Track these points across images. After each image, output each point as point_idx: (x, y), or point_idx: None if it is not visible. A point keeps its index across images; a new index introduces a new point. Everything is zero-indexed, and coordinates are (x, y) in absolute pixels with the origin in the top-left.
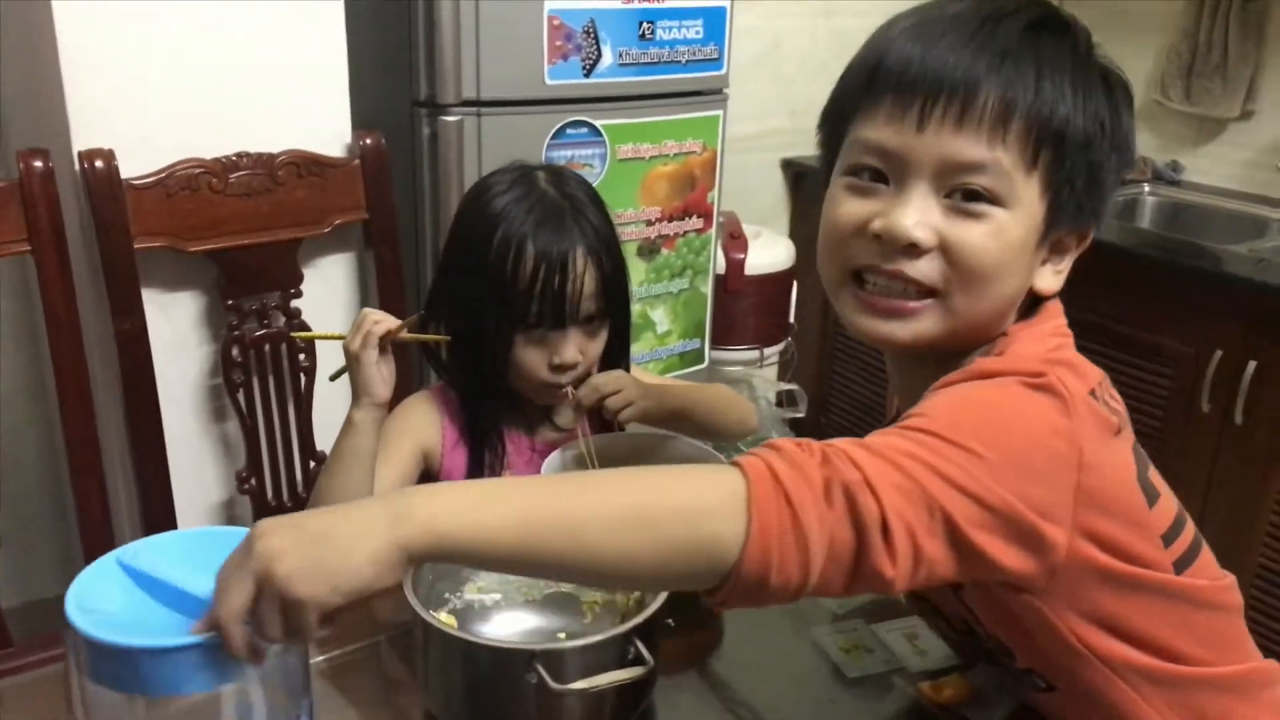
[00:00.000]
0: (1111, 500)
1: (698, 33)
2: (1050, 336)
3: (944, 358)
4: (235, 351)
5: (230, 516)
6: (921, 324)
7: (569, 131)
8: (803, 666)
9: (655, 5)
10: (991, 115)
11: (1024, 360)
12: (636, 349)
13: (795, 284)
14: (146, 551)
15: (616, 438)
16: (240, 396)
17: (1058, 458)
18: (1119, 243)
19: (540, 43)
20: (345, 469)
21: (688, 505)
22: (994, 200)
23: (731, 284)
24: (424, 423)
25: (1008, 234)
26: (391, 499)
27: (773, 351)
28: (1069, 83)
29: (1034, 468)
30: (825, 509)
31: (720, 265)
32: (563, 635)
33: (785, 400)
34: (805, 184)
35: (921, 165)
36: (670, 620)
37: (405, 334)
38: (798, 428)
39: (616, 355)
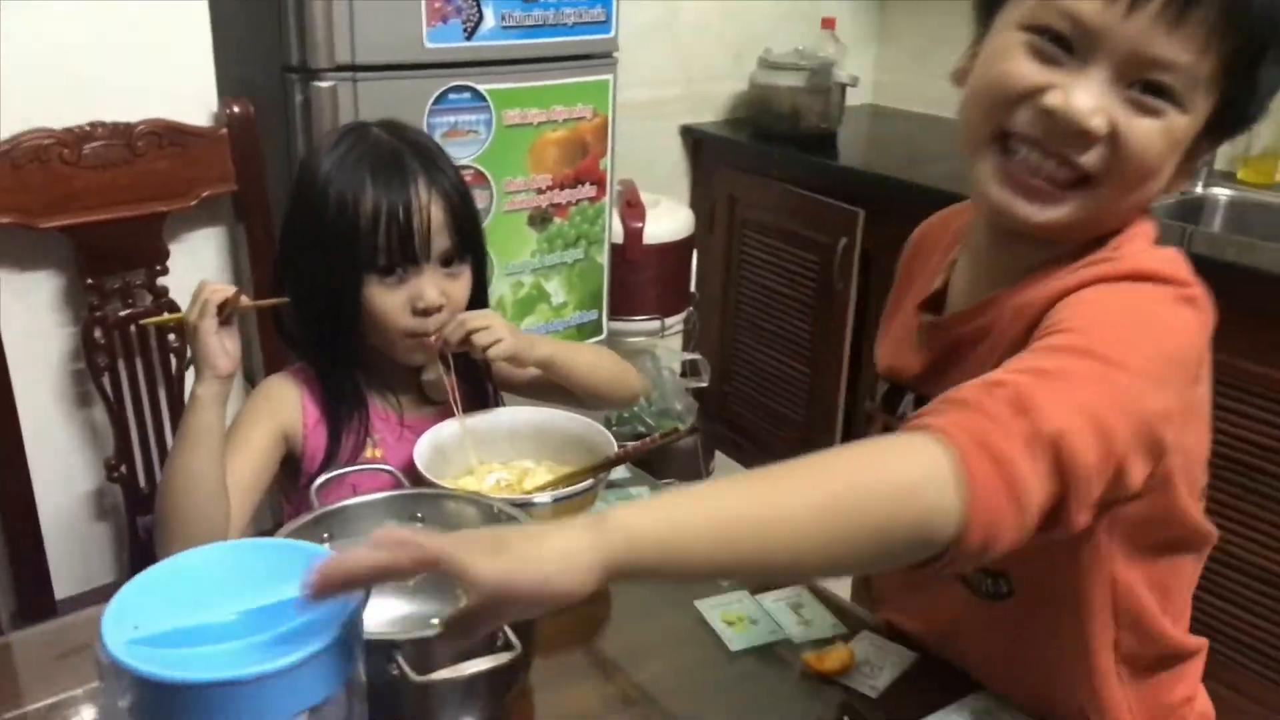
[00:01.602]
0: (1201, 420)
1: None
2: (1158, 248)
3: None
4: (98, 334)
5: (100, 506)
6: (1063, 211)
7: (451, 97)
8: (688, 641)
9: None
10: (1210, 23)
11: (1172, 265)
12: (531, 321)
13: (696, 252)
14: (182, 569)
15: (497, 415)
16: (105, 381)
17: (1190, 372)
18: None
19: (418, 4)
20: (192, 448)
21: (893, 484)
22: (1174, 99)
23: (630, 253)
24: (282, 403)
25: (1175, 134)
26: (590, 517)
27: (674, 321)
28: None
29: (1175, 382)
30: (1032, 465)
31: (618, 234)
32: (435, 621)
33: (689, 370)
34: (704, 151)
35: (1117, 50)
36: None
37: (245, 301)
38: (701, 397)
39: (478, 304)
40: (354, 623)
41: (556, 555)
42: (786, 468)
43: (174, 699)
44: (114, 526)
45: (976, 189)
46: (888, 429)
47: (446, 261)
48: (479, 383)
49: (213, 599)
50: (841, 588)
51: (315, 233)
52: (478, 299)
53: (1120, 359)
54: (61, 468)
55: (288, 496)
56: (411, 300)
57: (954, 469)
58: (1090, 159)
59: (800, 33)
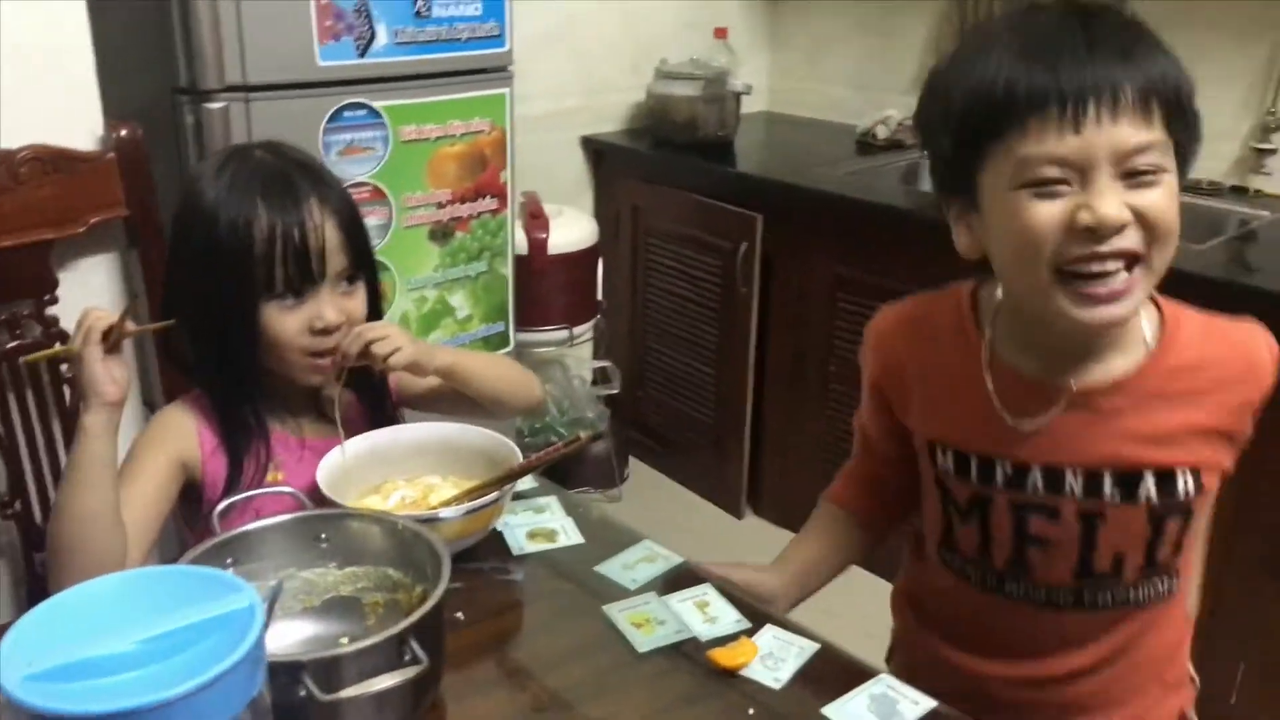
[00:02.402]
0: None
1: (476, 10)
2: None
3: None
4: None
5: None
6: (1135, 297)
7: (346, 114)
8: (597, 645)
9: None
10: (1139, 103)
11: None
12: (437, 335)
13: (601, 260)
14: (78, 601)
15: (400, 431)
16: None
17: None
18: (904, 205)
19: (309, 22)
20: (83, 480)
21: None
22: (1159, 167)
23: (535, 264)
24: (178, 432)
25: (1174, 188)
26: None
27: (583, 330)
28: (1161, 54)
29: None
30: None
31: (522, 246)
32: (345, 640)
33: (600, 377)
34: (606, 161)
35: (1103, 160)
36: (460, 614)
37: (130, 326)
38: (613, 403)
39: (374, 318)
40: (255, 646)
41: None
42: None
43: None
44: (10, 564)
45: (1055, 318)
46: (1007, 502)
47: (342, 280)
48: (379, 399)
49: (111, 630)
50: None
51: (206, 258)
52: (373, 313)
53: None
54: None
55: (190, 526)
56: (310, 321)
57: None
58: (1132, 241)
59: (695, 42)
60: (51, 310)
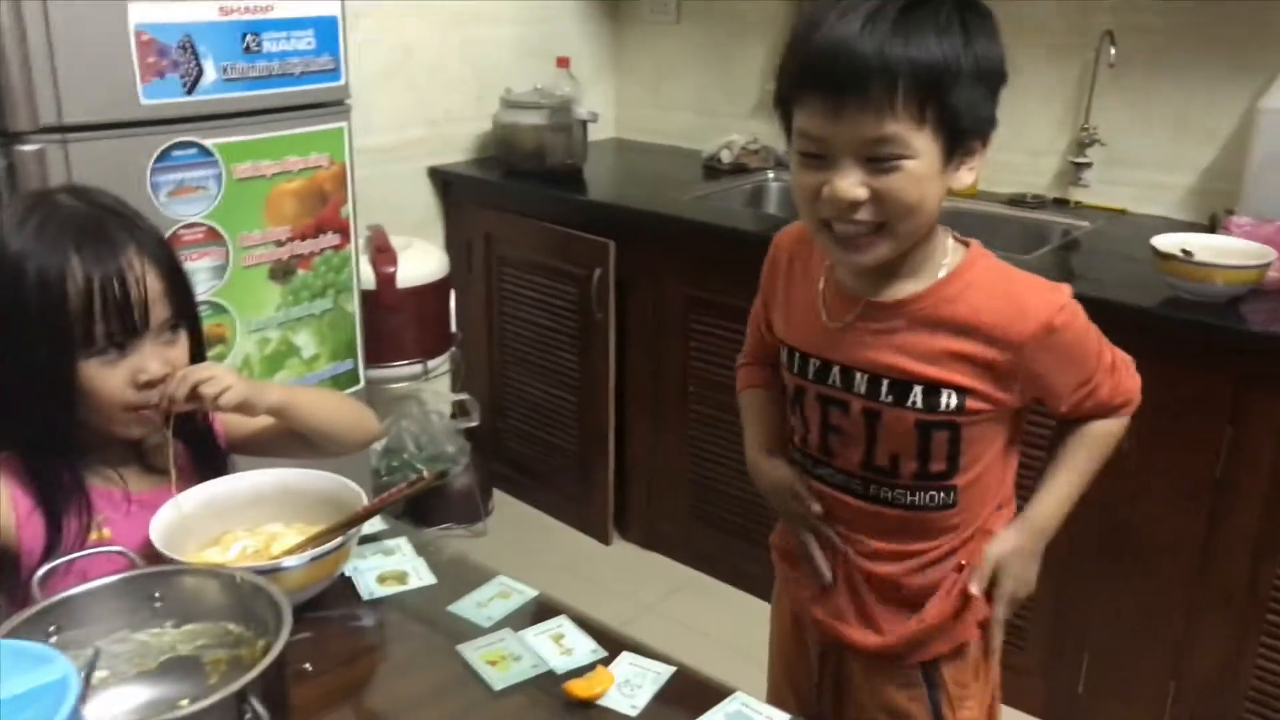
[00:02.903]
0: None
1: (310, 44)
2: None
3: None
4: None
5: None
6: (878, 250)
7: (175, 154)
8: (453, 687)
9: (258, 17)
10: (881, 99)
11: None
12: (283, 376)
13: (454, 292)
14: None
15: (238, 480)
16: None
17: None
18: (751, 228)
19: (129, 60)
20: None
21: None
22: (900, 155)
23: (384, 298)
24: None
25: (919, 172)
26: None
27: (437, 363)
28: (933, 44)
29: None
30: None
31: (369, 280)
32: (185, 703)
33: (458, 411)
34: (454, 191)
35: (846, 144)
36: (308, 665)
37: None
38: (474, 436)
39: (196, 361)
40: (72, 715)
41: None
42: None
43: None
44: None
45: (828, 253)
46: (815, 394)
47: (165, 329)
48: (206, 445)
49: None
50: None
51: (13, 316)
52: (196, 359)
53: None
54: None
55: (10, 597)
56: (133, 374)
57: None
58: (869, 214)
59: (538, 71)
60: None
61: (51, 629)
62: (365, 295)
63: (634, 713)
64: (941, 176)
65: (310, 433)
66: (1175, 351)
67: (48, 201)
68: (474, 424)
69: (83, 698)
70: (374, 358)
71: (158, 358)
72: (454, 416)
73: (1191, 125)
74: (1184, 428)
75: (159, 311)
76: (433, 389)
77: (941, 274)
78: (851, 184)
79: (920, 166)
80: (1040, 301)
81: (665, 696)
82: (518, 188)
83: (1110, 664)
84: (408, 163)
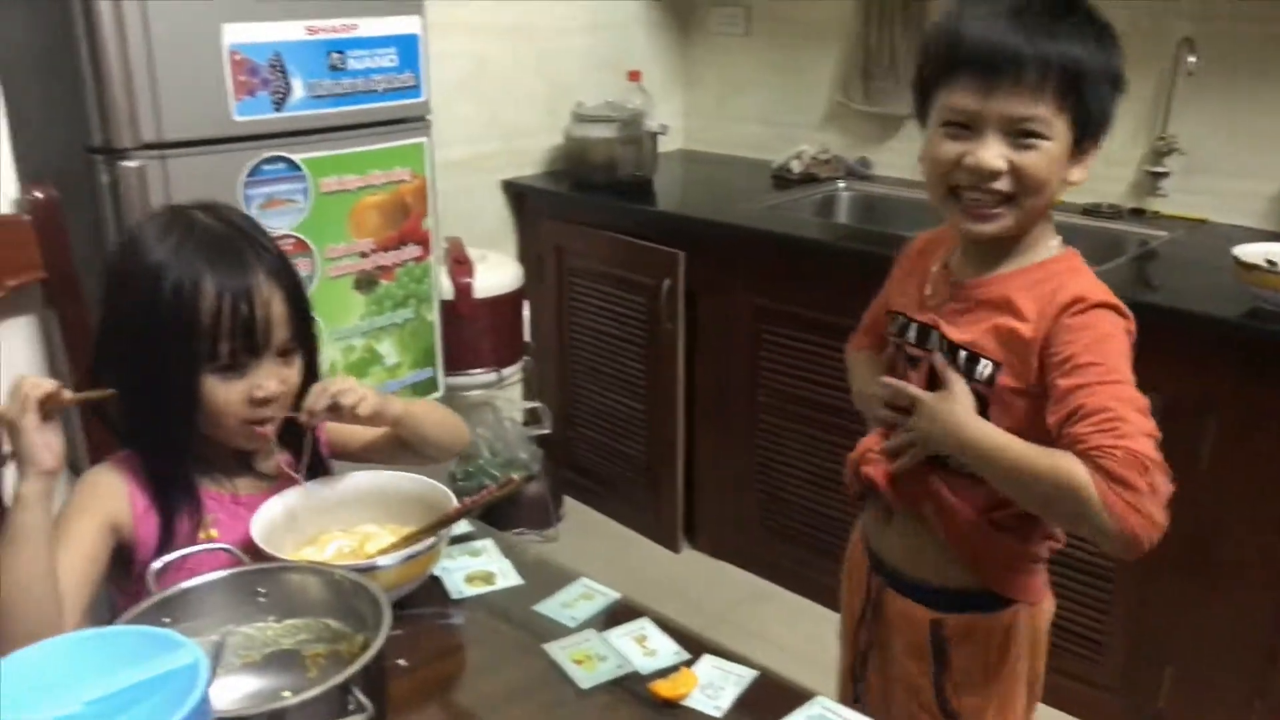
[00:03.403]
0: None
1: (392, 60)
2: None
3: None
4: None
5: None
6: (1004, 221)
7: (265, 169)
8: (540, 685)
9: (343, 36)
10: (1034, 84)
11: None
12: (366, 384)
13: (527, 302)
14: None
15: (335, 482)
16: None
17: None
18: (821, 237)
19: (223, 78)
20: (18, 549)
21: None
22: (1040, 135)
23: (461, 308)
24: (107, 495)
25: (1051, 154)
26: None
27: (511, 371)
28: (1078, 42)
29: None
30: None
31: (447, 291)
32: (287, 694)
33: (530, 418)
34: (527, 204)
35: (992, 119)
36: (402, 660)
37: (68, 395)
38: (545, 444)
39: (310, 381)
40: (201, 702)
41: None
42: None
43: None
44: None
45: (950, 222)
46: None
47: (282, 348)
48: (318, 460)
49: (58, 692)
50: None
51: (147, 325)
52: (312, 377)
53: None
54: None
55: (121, 588)
56: (250, 391)
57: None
58: (1004, 185)
59: (609, 84)
60: None
61: (166, 620)
62: (443, 305)
63: (718, 714)
64: (1065, 164)
65: (421, 443)
66: (1257, 363)
67: (185, 217)
68: (546, 431)
69: (210, 682)
70: (451, 365)
71: (274, 376)
72: (526, 424)
73: (1275, 133)
74: (1267, 440)
75: (280, 333)
76: (506, 396)
77: (1027, 263)
78: (994, 155)
79: (1054, 149)
80: (1082, 287)
81: (748, 699)
82: (588, 200)
83: (1192, 680)
84: (482, 175)
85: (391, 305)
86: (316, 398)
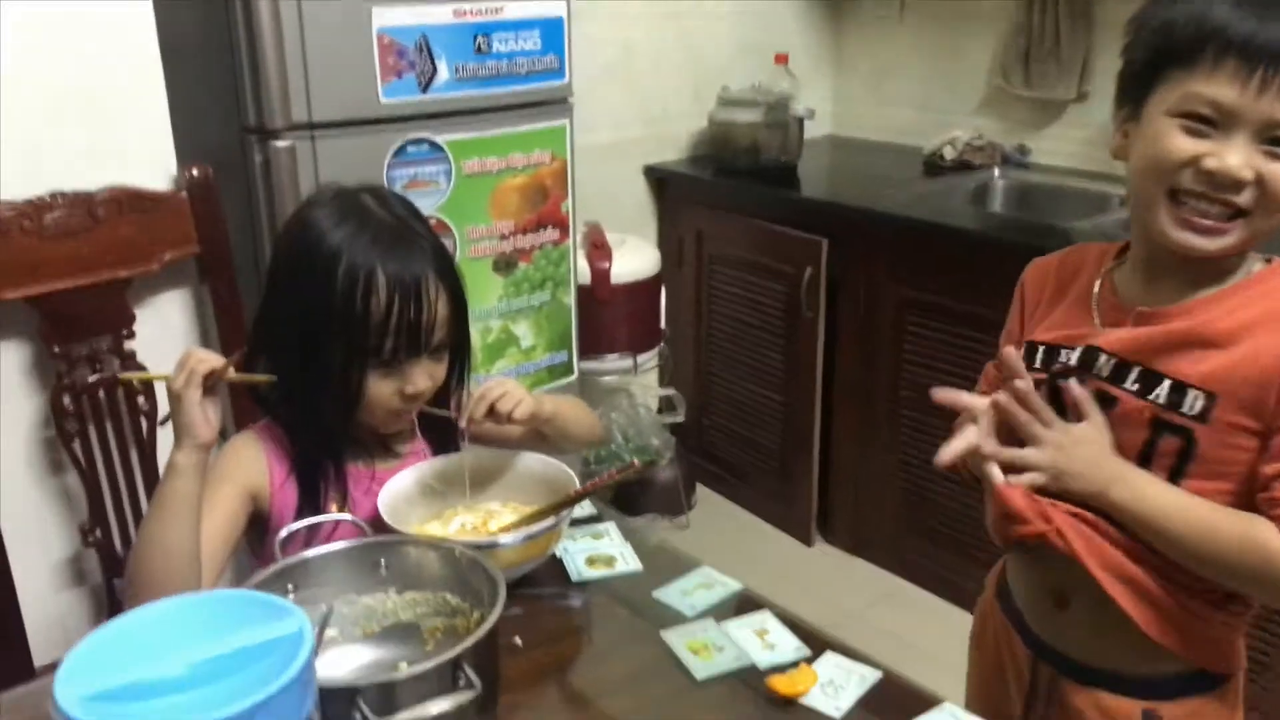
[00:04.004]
0: None
1: (535, 44)
2: None
3: (1201, 264)
4: (67, 400)
5: (77, 571)
6: (1229, 240)
7: (410, 150)
8: (655, 672)
9: (489, 19)
10: None
11: None
12: (501, 365)
13: (664, 288)
14: (135, 625)
15: (460, 459)
16: (76, 447)
17: None
18: (974, 227)
19: (371, 61)
20: (169, 516)
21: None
22: None
23: (599, 293)
24: (248, 464)
25: None
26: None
27: (646, 358)
28: None
29: None
30: None
31: (585, 275)
32: (403, 665)
33: (665, 406)
34: (669, 189)
35: (1252, 121)
36: (518, 639)
37: (231, 374)
38: (678, 431)
39: (458, 376)
40: (304, 669)
41: None
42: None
43: None
44: (91, 591)
45: (1154, 230)
46: (1053, 387)
47: (437, 348)
48: (447, 436)
49: (165, 653)
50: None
51: (315, 311)
52: (461, 375)
53: None
54: (36, 535)
55: (257, 555)
56: (401, 387)
57: None
58: (1245, 198)
59: (756, 68)
60: (129, 345)
61: (290, 587)
62: (580, 289)
63: (838, 714)
64: None
65: (561, 439)
66: None
67: (358, 204)
68: (680, 419)
69: (315, 651)
70: (587, 350)
71: (426, 374)
72: (660, 411)
73: None
74: None
75: (440, 335)
76: (641, 383)
77: (1228, 284)
78: (1243, 163)
79: None
80: None
81: (870, 701)
82: (731, 185)
83: None
84: (625, 161)
85: (529, 288)
86: (476, 405)
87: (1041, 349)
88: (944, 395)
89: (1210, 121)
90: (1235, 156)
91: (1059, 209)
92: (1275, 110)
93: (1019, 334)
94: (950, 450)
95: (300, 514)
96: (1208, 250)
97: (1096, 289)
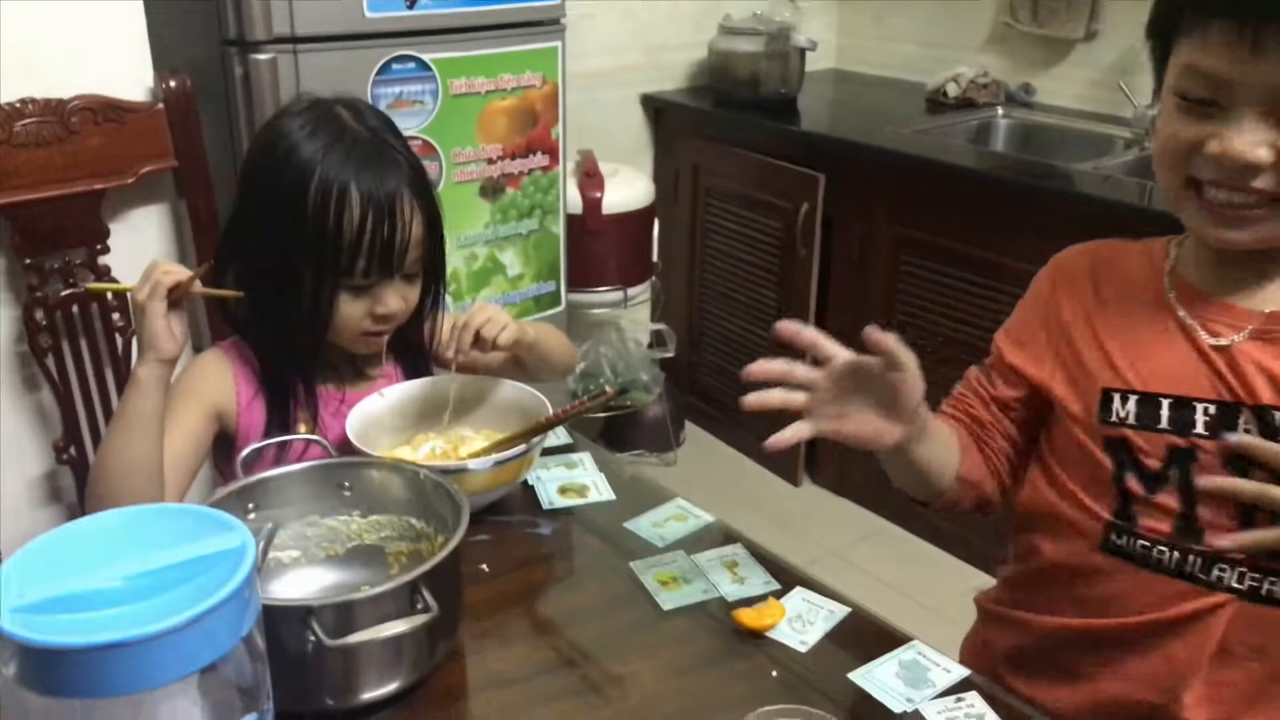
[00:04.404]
0: None
1: None
2: None
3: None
4: (39, 314)
5: (53, 489)
6: (1263, 229)
7: (395, 67)
8: (622, 601)
9: None
10: None
11: None
12: (488, 294)
13: (657, 221)
14: (74, 536)
15: (433, 384)
16: (50, 362)
17: None
18: (974, 166)
19: None
20: (130, 432)
21: None
22: None
23: (589, 223)
24: (214, 382)
25: None
26: None
27: (637, 291)
28: None
29: None
30: None
31: (575, 205)
32: (366, 589)
33: (655, 341)
34: (666, 119)
35: (1255, 90)
36: (484, 566)
37: (197, 287)
38: (668, 367)
39: (431, 298)
40: (243, 585)
41: None
42: None
43: (56, 664)
44: (66, 509)
45: (1187, 225)
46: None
47: (410, 271)
48: (420, 361)
49: (102, 565)
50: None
51: (286, 225)
52: (434, 299)
53: None
54: (11, 452)
55: (223, 474)
56: (372, 308)
57: None
58: (1267, 182)
59: None
60: (104, 259)
61: (250, 506)
62: (571, 219)
63: (803, 649)
64: None
65: (538, 367)
66: None
67: (332, 115)
68: (669, 354)
69: (258, 567)
70: (576, 282)
71: (399, 296)
72: (651, 346)
73: None
74: None
75: (413, 256)
76: (631, 317)
77: None
78: (1253, 142)
79: None
80: None
81: (838, 636)
82: (729, 117)
83: None
84: (621, 89)
85: (517, 215)
86: (463, 334)
87: (1164, 404)
88: (786, 328)
89: (1208, 101)
90: (1241, 137)
91: (1062, 150)
92: (1275, 74)
93: (1010, 350)
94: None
95: (268, 434)
96: (1243, 242)
97: (1168, 287)
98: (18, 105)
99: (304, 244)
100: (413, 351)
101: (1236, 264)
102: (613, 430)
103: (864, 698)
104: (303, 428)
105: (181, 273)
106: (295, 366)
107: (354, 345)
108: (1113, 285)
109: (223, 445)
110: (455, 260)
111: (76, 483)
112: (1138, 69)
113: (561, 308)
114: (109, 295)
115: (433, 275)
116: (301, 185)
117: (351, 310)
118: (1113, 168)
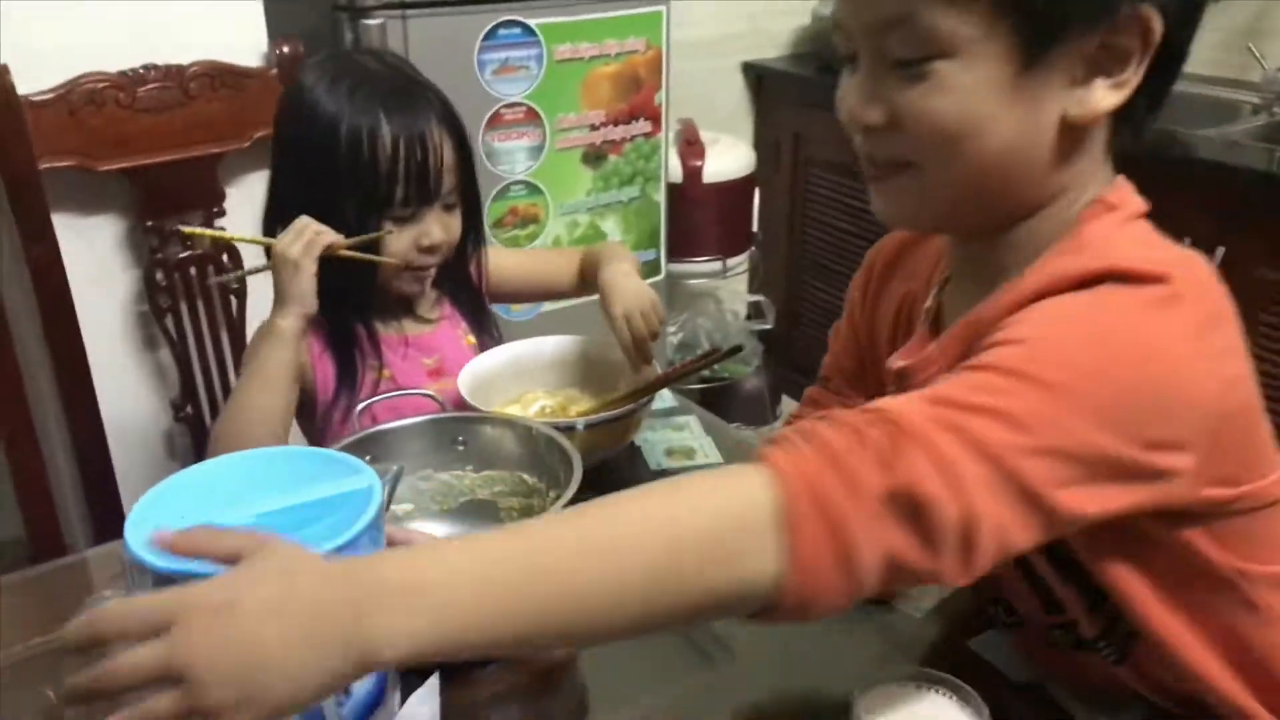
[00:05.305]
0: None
1: None
2: (1129, 223)
3: (987, 235)
4: (159, 275)
5: (169, 446)
6: (904, 202)
7: (501, 32)
8: None
9: None
10: None
11: (1146, 248)
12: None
13: (758, 191)
14: (207, 474)
15: (541, 344)
16: (169, 322)
17: (1164, 398)
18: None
19: None
20: (264, 380)
21: (713, 547)
22: (929, 55)
23: (689, 192)
24: None
25: (957, 81)
26: (345, 618)
27: (736, 262)
28: None
29: (1129, 415)
30: (882, 527)
31: (676, 173)
32: None
33: (753, 312)
34: (767, 88)
35: (863, 37)
36: None
37: (344, 250)
38: (766, 340)
39: (472, 233)
40: (371, 524)
41: (316, 691)
42: (597, 528)
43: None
44: (182, 466)
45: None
46: None
47: (448, 202)
48: (471, 294)
49: (235, 503)
50: None
51: (324, 176)
52: (475, 232)
53: (1048, 379)
54: (130, 410)
55: (304, 431)
56: (417, 238)
57: (779, 524)
58: (890, 147)
59: None
60: (220, 222)
61: (367, 458)
62: (671, 188)
63: (918, 614)
64: (1019, 92)
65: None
66: None
67: (355, 64)
68: (768, 327)
69: (385, 508)
70: (675, 251)
71: (440, 224)
72: (749, 318)
73: None
74: None
75: (449, 181)
76: (730, 288)
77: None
78: (859, 99)
79: (963, 70)
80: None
81: (949, 605)
82: (832, 84)
83: None
84: (724, 58)
85: (618, 182)
86: (645, 346)
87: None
88: None
89: (846, 52)
90: (847, 94)
91: (1185, 118)
92: (871, 7)
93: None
94: None
95: (340, 383)
96: (881, 214)
97: (930, 302)
98: (140, 71)
99: (343, 186)
100: (466, 293)
101: (963, 259)
102: (710, 403)
103: (984, 667)
104: (371, 375)
105: (332, 233)
106: (355, 308)
107: (404, 285)
108: (900, 265)
109: (301, 403)
110: (558, 227)
111: (193, 440)
112: (1268, 31)
113: (661, 276)
114: (224, 258)
115: (471, 210)
116: (333, 131)
117: (397, 242)
118: (1239, 134)
